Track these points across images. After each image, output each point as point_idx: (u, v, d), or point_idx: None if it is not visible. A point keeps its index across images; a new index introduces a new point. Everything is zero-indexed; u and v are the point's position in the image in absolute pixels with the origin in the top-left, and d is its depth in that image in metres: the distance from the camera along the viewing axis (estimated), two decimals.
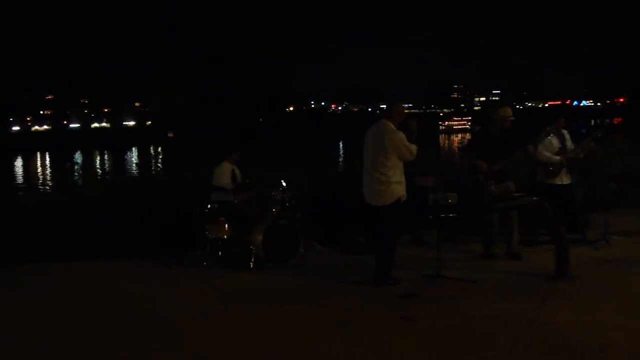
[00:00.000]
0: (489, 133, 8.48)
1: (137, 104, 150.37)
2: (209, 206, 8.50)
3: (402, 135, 7.09)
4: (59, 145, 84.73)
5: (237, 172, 9.04)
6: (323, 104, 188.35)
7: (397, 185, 7.04)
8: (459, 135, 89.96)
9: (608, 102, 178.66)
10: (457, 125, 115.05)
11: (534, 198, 7.72)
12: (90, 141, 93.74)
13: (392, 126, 7.11)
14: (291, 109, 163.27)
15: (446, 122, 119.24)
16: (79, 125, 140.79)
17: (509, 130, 8.34)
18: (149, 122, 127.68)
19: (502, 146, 8.13)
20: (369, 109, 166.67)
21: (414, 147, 7.15)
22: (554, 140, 8.95)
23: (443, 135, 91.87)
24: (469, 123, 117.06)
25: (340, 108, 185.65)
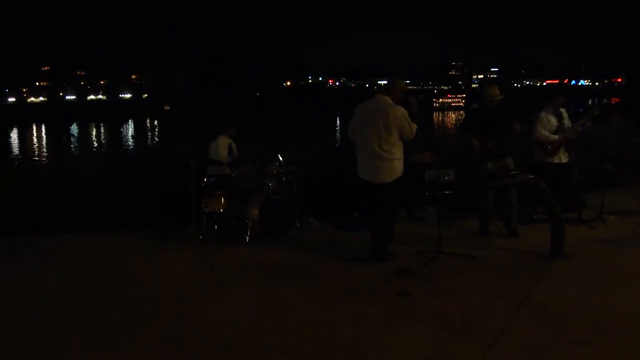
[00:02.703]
0: (481, 111, 8.51)
1: (133, 77, 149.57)
2: (205, 180, 8.48)
3: (405, 111, 7.04)
4: (55, 117, 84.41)
5: (234, 146, 9.00)
6: (321, 79, 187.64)
7: (398, 162, 7.01)
8: (453, 113, 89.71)
9: (606, 81, 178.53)
10: (451, 103, 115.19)
11: (530, 176, 7.71)
12: (86, 113, 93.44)
13: (392, 102, 7.07)
14: (288, 84, 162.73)
15: (440, 100, 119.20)
16: (75, 97, 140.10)
17: (500, 108, 8.35)
18: (145, 95, 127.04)
19: (494, 124, 8.13)
20: (366, 85, 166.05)
21: (414, 126, 7.11)
22: (552, 119, 8.93)
23: (437, 112, 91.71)
24: (463, 101, 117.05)
25: (337, 84, 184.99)
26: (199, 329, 5.19)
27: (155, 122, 78.88)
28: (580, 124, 9.02)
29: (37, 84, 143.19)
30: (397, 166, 7.00)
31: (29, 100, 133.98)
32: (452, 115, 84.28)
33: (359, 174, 7.21)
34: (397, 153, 6.99)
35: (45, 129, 75.59)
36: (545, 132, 8.85)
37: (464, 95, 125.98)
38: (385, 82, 7.65)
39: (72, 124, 78.70)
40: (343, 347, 4.78)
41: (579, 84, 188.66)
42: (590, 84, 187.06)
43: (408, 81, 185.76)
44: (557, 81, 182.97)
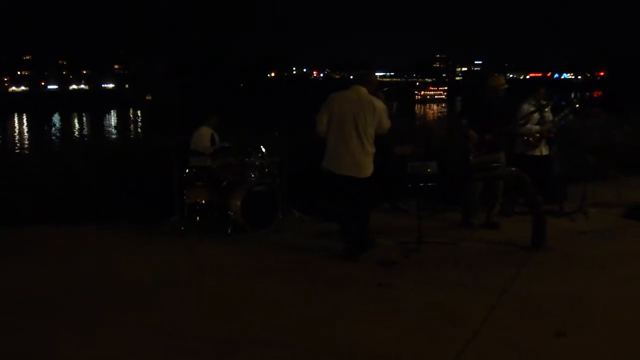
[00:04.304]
0: (481, 102, 8.43)
1: (116, 67, 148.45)
2: (187, 171, 8.44)
3: (383, 104, 7.01)
4: (37, 106, 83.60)
5: (216, 136, 8.97)
6: (305, 70, 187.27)
7: (374, 155, 6.90)
8: (436, 105, 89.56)
9: (588, 75, 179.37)
10: (435, 95, 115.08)
11: (513, 169, 7.75)
12: (68, 103, 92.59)
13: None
14: (272, 74, 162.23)
15: (422, 92, 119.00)
16: (57, 86, 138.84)
17: (502, 101, 8.31)
18: (127, 86, 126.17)
19: (494, 116, 8.10)
20: (351, 77, 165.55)
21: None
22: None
23: (419, 105, 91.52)
24: (445, 93, 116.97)
25: (322, 75, 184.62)
26: (184, 320, 5.18)
27: (139, 113, 78.29)
28: (560, 117, 9.07)
29: (19, 73, 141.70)
30: (372, 160, 6.87)
31: (10, 89, 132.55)
32: (435, 107, 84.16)
33: (337, 170, 6.83)
34: (373, 146, 6.86)
35: (26, 118, 74.81)
36: (527, 125, 8.88)
37: (446, 88, 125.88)
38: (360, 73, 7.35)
39: (54, 113, 77.91)
40: (327, 337, 4.79)
41: (562, 77, 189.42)
42: (573, 77, 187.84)
43: (392, 73, 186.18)
44: (540, 74, 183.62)
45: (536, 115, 8.95)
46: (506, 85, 8.31)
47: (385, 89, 7.20)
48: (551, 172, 9.17)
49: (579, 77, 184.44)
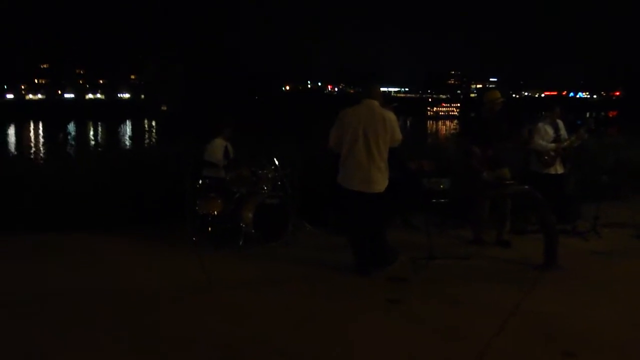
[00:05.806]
0: (481, 119, 8.44)
1: (132, 77, 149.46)
2: (200, 181, 8.46)
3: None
4: (53, 114, 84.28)
5: (230, 148, 8.98)
6: (320, 84, 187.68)
7: (386, 171, 6.85)
8: (450, 122, 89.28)
9: (604, 94, 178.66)
10: (443, 112, 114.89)
11: (525, 186, 7.72)
12: (84, 112, 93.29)
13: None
14: (287, 88, 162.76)
15: (434, 108, 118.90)
16: (73, 95, 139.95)
17: (500, 116, 8.30)
18: (143, 96, 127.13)
19: (494, 132, 8.09)
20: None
21: None
22: (549, 130, 8.96)
23: (431, 121, 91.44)
24: (457, 110, 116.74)
25: (336, 89, 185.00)
26: (193, 330, 5.18)
27: (153, 123, 78.74)
28: (577, 137, 9.03)
29: (36, 81, 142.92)
30: (386, 174, 6.84)
31: (27, 97, 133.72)
32: (447, 124, 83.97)
33: (349, 185, 6.79)
34: (386, 161, 6.81)
35: (42, 126, 75.41)
36: (543, 142, 8.87)
37: (458, 105, 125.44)
38: (386, 88, 7.31)
39: (70, 122, 78.50)
40: (335, 350, 4.78)
41: (577, 96, 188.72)
42: (588, 96, 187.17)
43: (407, 89, 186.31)
44: (555, 93, 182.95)
45: (551, 134, 8.93)
46: (502, 99, 8.29)
47: (395, 104, 7.17)
48: (565, 190, 9.14)
49: (595, 96, 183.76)
